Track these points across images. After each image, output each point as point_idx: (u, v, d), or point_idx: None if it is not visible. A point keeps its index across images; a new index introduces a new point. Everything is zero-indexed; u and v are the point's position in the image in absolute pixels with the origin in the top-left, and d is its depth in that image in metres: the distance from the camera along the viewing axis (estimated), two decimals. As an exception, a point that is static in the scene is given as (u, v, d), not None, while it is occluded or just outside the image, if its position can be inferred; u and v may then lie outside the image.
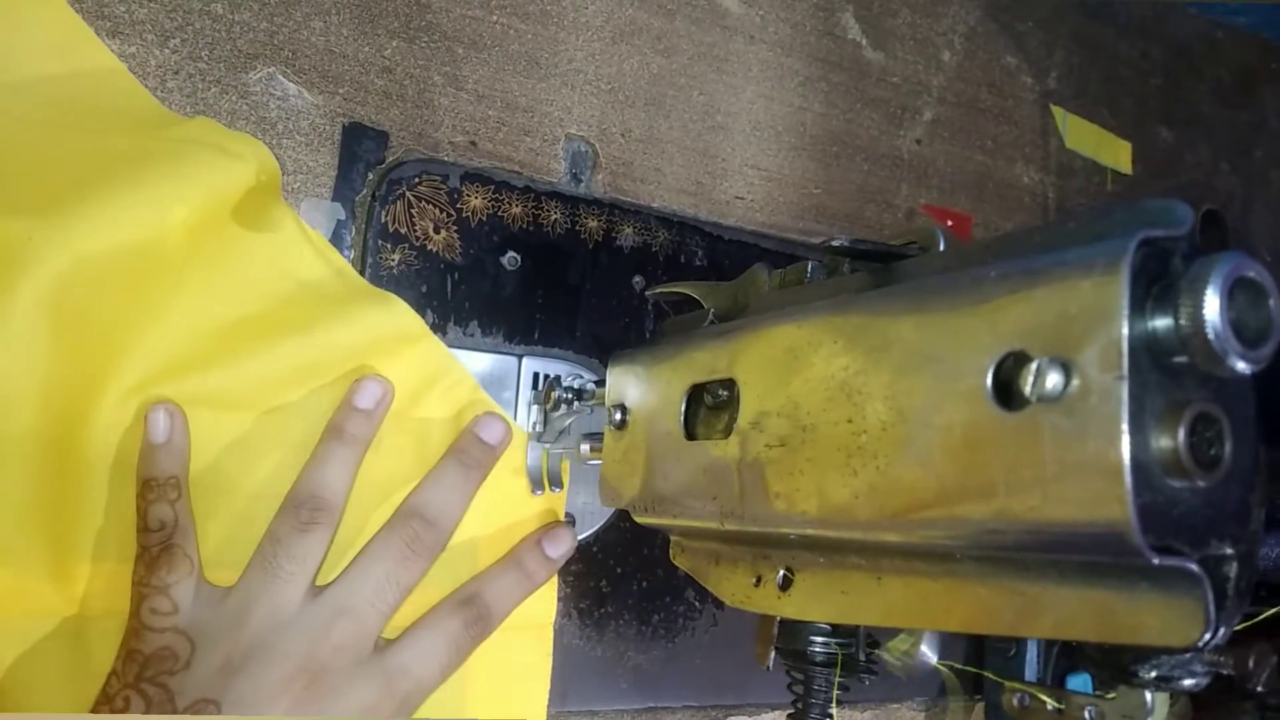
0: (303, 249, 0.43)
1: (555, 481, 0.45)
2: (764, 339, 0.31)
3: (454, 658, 0.39)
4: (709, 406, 0.35)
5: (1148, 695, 0.44)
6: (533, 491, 0.44)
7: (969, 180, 0.66)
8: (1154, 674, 0.41)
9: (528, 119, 0.51)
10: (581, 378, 0.45)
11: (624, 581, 0.51)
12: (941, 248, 0.29)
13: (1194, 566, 0.20)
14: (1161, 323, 0.20)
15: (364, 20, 0.47)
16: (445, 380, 0.43)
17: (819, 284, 0.33)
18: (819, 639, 0.39)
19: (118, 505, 0.38)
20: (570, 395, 0.42)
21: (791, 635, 0.39)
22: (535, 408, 0.44)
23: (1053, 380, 0.20)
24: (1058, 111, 0.71)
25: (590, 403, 0.42)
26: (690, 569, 0.37)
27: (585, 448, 0.40)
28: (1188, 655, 0.41)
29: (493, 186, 0.49)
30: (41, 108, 0.40)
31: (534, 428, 0.44)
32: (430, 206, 0.47)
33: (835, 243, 0.29)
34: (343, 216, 0.46)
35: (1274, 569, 0.45)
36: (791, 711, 0.40)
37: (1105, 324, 0.20)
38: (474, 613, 0.40)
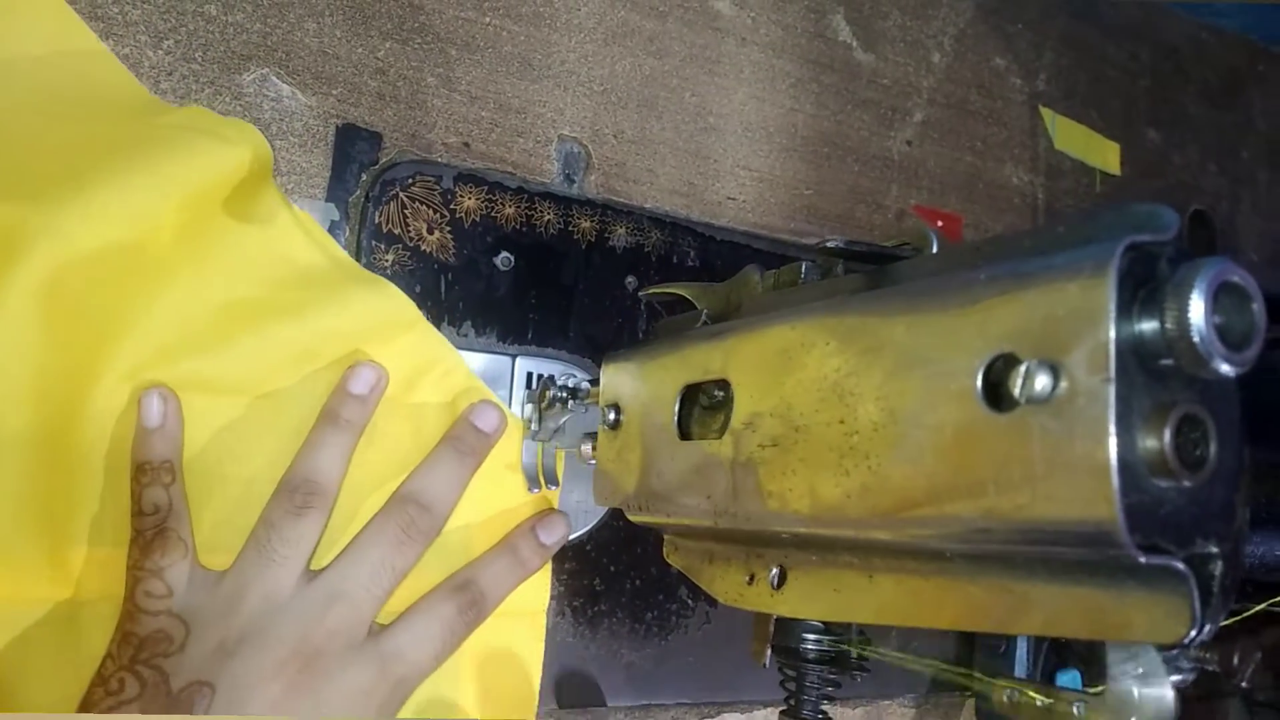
0: (297, 234, 0.43)
1: (551, 478, 0.45)
2: (757, 340, 0.31)
3: (448, 643, 0.40)
4: (704, 407, 0.35)
5: (1134, 691, 0.45)
6: (529, 489, 0.45)
7: (959, 181, 0.66)
8: (1140, 670, 0.42)
9: (521, 120, 0.51)
10: (576, 376, 0.46)
11: (617, 579, 0.51)
12: (935, 249, 0.30)
13: (1180, 565, 0.20)
14: (1148, 326, 0.20)
15: (357, 22, 0.47)
16: (440, 367, 0.44)
17: (812, 285, 0.33)
18: (811, 636, 0.39)
19: (112, 490, 0.38)
20: (565, 394, 0.42)
21: (784, 633, 0.39)
22: (530, 406, 0.44)
23: (1041, 382, 0.21)
24: (1046, 113, 0.71)
25: (585, 401, 0.42)
26: (684, 567, 0.37)
27: (587, 447, 0.40)
28: (1174, 652, 0.42)
29: (486, 187, 0.49)
30: (34, 96, 0.40)
31: (529, 425, 0.44)
32: (424, 207, 0.47)
33: (830, 244, 0.30)
34: (336, 217, 0.46)
35: (1259, 566, 0.46)
36: (784, 708, 0.40)
37: (1093, 327, 0.20)
38: (468, 598, 0.41)
